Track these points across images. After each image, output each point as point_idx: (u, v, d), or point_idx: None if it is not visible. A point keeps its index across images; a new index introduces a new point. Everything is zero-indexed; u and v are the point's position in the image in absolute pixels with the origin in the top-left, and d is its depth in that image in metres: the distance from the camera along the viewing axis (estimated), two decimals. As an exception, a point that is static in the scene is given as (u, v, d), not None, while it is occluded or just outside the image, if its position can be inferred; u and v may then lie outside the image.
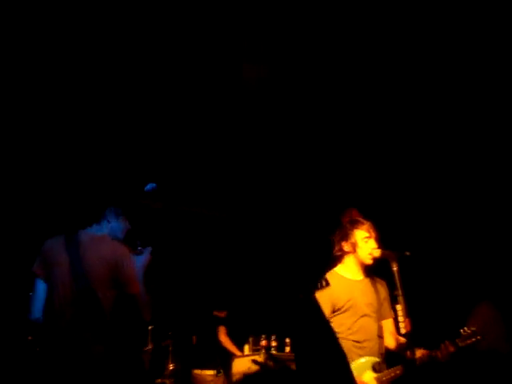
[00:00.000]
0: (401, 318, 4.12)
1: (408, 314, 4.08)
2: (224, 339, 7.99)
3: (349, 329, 4.37)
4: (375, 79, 6.27)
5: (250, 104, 6.45)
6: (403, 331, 4.09)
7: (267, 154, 7.36)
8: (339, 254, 4.58)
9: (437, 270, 6.95)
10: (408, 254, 4.38)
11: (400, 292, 4.16)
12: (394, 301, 4.18)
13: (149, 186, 4.26)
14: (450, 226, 7.04)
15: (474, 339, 4.26)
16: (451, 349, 4.21)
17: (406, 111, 6.59)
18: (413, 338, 4.05)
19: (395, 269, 4.26)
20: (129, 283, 4.05)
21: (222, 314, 8.07)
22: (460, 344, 4.25)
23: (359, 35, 5.92)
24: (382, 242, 4.52)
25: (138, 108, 6.59)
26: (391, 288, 4.23)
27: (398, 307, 4.14)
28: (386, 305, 4.60)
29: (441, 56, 5.97)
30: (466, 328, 4.30)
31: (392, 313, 4.58)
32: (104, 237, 4.22)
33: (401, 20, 5.80)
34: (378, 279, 4.65)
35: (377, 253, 4.43)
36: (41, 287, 4.11)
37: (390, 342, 4.55)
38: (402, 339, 4.41)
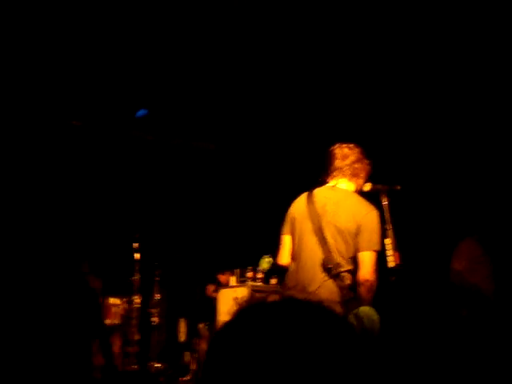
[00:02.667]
0: (389, 252, 4.11)
1: (397, 247, 4.09)
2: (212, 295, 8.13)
3: None
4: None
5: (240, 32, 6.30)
6: (392, 265, 4.09)
7: (260, 83, 7.26)
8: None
9: (426, 205, 6.96)
10: (398, 188, 4.35)
11: (389, 226, 4.15)
12: (383, 235, 4.15)
13: (140, 112, 4.15)
14: (440, 159, 7.02)
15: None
16: None
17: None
18: (402, 272, 4.06)
19: (385, 203, 4.25)
20: None
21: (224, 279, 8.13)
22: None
23: None
24: (372, 176, 4.46)
25: (134, 38, 6.43)
26: (381, 222, 4.20)
27: (387, 241, 4.12)
28: None
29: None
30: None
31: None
32: None
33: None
34: None
35: (367, 187, 4.38)
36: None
37: None
38: None
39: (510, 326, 4.98)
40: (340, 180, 4.34)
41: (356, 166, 4.33)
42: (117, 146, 8.09)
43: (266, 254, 6.60)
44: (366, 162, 4.39)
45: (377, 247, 4.09)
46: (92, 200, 8.13)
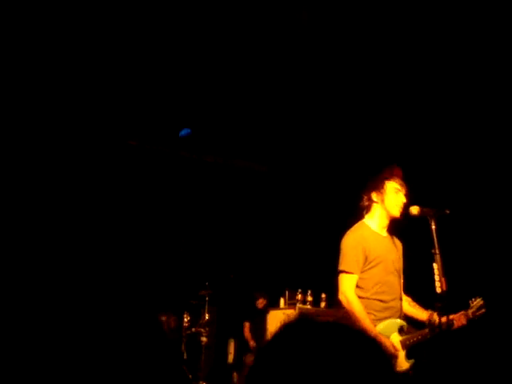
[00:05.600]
0: (437, 277, 4.05)
1: (444, 273, 4.02)
2: (247, 334, 8.18)
3: (376, 286, 4.27)
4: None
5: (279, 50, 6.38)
6: (439, 290, 4.02)
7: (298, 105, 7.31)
8: (367, 203, 4.49)
9: (476, 230, 6.82)
10: (447, 212, 4.29)
11: (437, 250, 4.09)
12: (430, 259, 4.09)
13: (183, 132, 4.17)
14: (490, 183, 6.88)
15: (481, 311, 4.20)
16: (464, 322, 4.15)
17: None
18: (448, 298, 3.99)
19: (433, 227, 4.19)
20: None
21: (261, 305, 8.19)
22: (470, 316, 4.20)
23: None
24: (420, 200, 4.42)
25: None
26: (429, 246, 4.15)
27: (435, 266, 4.06)
28: (401, 264, 4.54)
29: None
30: (473, 299, 4.24)
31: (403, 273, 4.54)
32: None
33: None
34: (395, 237, 4.57)
35: (416, 210, 4.33)
36: None
37: (404, 303, 4.50)
38: (414, 304, 4.45)
39: None
40: None
41: None
42: (171, 168, 8.22)
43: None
44: None
45: (339, 267, 4.32)
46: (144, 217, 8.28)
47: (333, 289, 6.48)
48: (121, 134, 7.65)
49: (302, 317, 1.26)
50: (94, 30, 6.07)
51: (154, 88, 6.93)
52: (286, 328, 1.21)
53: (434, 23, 5.90)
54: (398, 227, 4.53)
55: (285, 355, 1.13)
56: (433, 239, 4.14)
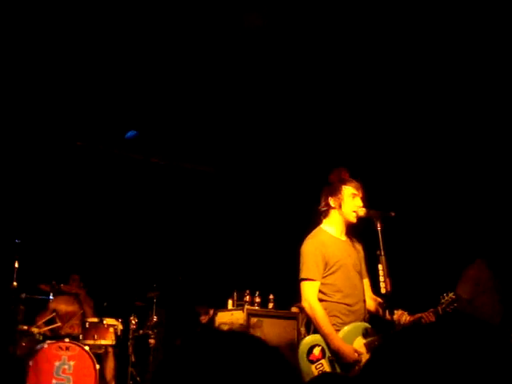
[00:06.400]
0: (382, 278, 4.11)
1: (389, 274, 4.08)
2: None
3: (339, 291, 4.31)
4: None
5: (240, 55, 6.37)
6: (383, 291, 4.08)
7: (255, 109, 7.33)
8: (325, 209, 4.53)
9: (422, 232, 6.95)
10: (393, 214, 4.36)
11: (382, 252, 4.16)
12: (375, 260, 4.16)
13: (130, 134, 4.13)
14: (437, 186, 7.02)
15: (452, 306, 4.24)
16: (432, 318, 4.18)
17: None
18: (392, 298, 4.06)
19: (379, 228, 4.25)
20: None
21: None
22: (440, 312, 4.23)
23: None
24: (367, 201, 4.48)
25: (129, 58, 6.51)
26: (374, 248, 4.21)
27: (380, 267, 4.12)
28: (364, 266, 4.60)
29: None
30: (445, 294, 4.28)
31: (366, 274, 4.60)
32: None
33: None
34: (355, 240, 4.63)
35: (362, 212, 4.40)
36: None
37: (370, 303, 4.54)
38: (380, 300, 4.43)
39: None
40: None
41: None
42: (119, 169, 8.16)
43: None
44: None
45: (300, 275, 4.37)
46: (90, 218, 8.19)
47: (280, 290, 6.54)
48: (67, 134, 7.55)
49: (205, 328, 1.25)
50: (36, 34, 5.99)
51: (102, 89, 6.86)
52: (185, 340, 1.20)
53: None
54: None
55: (182, 368, 1.12)
56: (378, 241, 4.22)
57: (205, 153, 8.33)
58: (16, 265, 6.25)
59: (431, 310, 4.22)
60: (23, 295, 6.39)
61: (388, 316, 4.10)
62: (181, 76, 6.73)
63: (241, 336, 1.19)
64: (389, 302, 4.10)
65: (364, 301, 4.45)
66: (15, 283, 6.20)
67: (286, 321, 7.08)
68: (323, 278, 4.34)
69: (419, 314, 4.20)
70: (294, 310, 7.12)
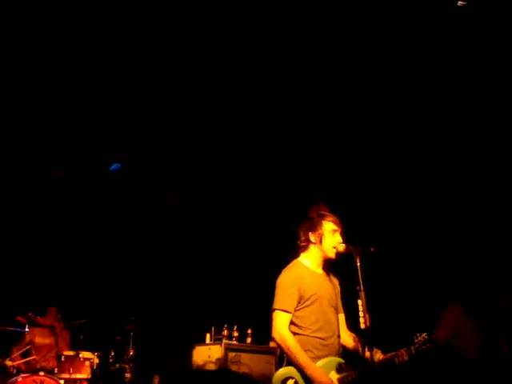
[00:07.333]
0: (361, 313, 4.12)
1: (368, 309, 4.10)
2: None
3: (314, 324, 4.31)
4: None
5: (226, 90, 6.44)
6: (363, 326, 4.09)
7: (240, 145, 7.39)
8: (304, 244, 4.55)
9: (401, 268, 6.99)
10: (372, 249, 4.39)
11: (362, 287, 4.17)
12: (355, 296, 4.17)
13: (114, 167, 4.14)
14: (417, 223, 7.08)
15: (425, 346, 4.24)
16: (405, 357, 4.17)
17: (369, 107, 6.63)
18: (372, 334, 4.06)
19: (358, 264, 4.27)
20: None
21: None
22: (413, 351, 4.20)
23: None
24: (346, 237, 4.52)
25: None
26: (353, 283, 4.22)
27: (359, 302, 4.13)
28: (339, 300, 4.61)
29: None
30: (418, 334, 4.28)
31: (342, 309, 4.61)
32: None
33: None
34: (331, 274, 4.65)
35: (341, 247, 4.42)
36: None
37: (346, 339, 4.53)
38: (354, 335, 4.43)
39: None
40: None
41: None
42: (100, 201, 8.15)
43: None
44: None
45: (273, 306, 4.36)
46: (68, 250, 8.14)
47: (259, 324, 6.51)
48: (49, 164, 7.54)
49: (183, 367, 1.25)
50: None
51: (87, 121, 6.88)
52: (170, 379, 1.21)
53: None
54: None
55: None
56: (357, 276, 4.23)
57: (187, 187, 8.36)
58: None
59: (404, 348, 4.21)
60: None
61: (367, 352, 4.09)
62: (165, 109, 6.77)
63: (220, 374, 1.19)
64: (368, 337, 4.09)
65: (338, 336, 4.44)
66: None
67: (264, 355, 7.06)
68: (297, 310, 4.34)
69: (393, 353, 4.20)
70: (272, 344, 7.08)
